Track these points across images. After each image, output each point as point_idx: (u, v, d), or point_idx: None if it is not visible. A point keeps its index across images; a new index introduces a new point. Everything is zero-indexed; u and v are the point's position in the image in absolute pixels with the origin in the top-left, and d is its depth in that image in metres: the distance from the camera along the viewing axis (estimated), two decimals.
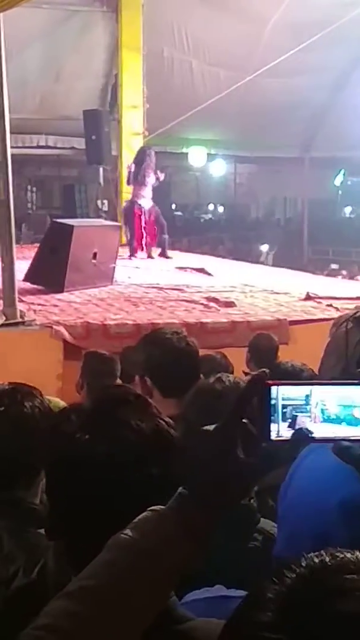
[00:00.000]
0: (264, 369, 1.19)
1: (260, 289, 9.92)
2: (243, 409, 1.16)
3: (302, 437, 1.17)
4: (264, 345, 6.03)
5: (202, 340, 6.93)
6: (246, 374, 5.30)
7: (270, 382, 1.17)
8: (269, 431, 1.16)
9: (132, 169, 13.73)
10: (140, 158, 13.82)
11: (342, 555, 0.87)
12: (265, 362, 5.32)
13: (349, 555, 0.87)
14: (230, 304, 8.53)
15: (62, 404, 3.87)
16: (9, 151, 7.16)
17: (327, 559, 0.86)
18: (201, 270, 12.06)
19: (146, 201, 13.62)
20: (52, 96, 17.21)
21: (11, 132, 7.31)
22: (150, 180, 13.57)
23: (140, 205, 13.57)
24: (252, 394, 1.16)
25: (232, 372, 5.40)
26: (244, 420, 1.16)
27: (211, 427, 1.17)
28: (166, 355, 3.15)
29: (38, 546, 2.00)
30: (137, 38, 16.33)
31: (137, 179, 13.64)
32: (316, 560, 0.86)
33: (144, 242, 13.71)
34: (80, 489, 1.38)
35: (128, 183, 14.07)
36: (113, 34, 16.78)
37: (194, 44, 17.46)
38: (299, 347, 7.09)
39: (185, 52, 17.54)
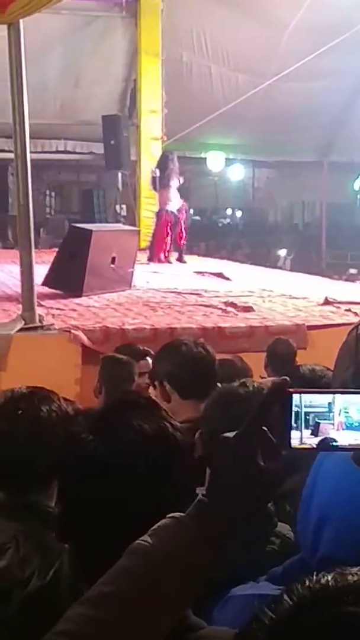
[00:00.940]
0: (285, 377, 1.19)
1: (279, 294, 9.90)
2: (264, 416, 1.16)
3: (326, 445, 1.17)
4: (281, 350, 6.03)
5: (219, 345, 6.95)
6: (263, 378, 5.30)
7: (291, 389, 1.17)
8: (289, 439, 1.16)
9: (157, 174, 13.77)
10: (163, 163, 13.86)
11: (350, 578, 0.83)
12: (283, 367, 5.31)
13: (357, 577, 0.83)
14: (248, 309, 8.52)
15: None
16: (29, 156, 7.18)
17: (331, 582, 0.83)
18: (219, 275, 12.06)
19: (174, 204, 13.64)
20: (72, 101, 17.30)
21: (31, 137, 7.33)
22: (174, 183, 13.62)
23: (168, 211, 13.61)
24: (273, 402, 1.16)
25: (251, 377, 5.40)
26: (263, 428, 1.16)
27: (231, 434, 1.17)
28: (183, 360, 3.30)
29: (53, 549, 2.01)
30: (156, 43, 16.39)
31: (162, 185, 13.70)
32: (321, 581, 0.83)
33: (166, 249, 13.78)
34: (85, 489, 1.39)
35: (154, 189, 14.08)
36: (132, 40, 16.84)
37: (213, 48, 17.48)
38: (317, 352, 7.06)
39: (204, 56, 17.56)
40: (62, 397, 2.43)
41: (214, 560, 1.14)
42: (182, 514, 1.17)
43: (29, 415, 2.29)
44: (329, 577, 0.83)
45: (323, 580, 0.83)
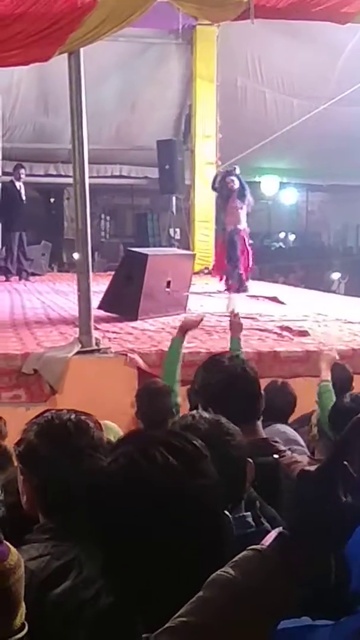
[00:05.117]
0: None
1: (334, 318, 9.84)
2: (345, 451, 1.17)
3: None
4: (338, 375, 5.96)
5: (275, 370, 6.94)
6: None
7: None
8: None
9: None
10: (219, 185, 13.77)
11: None
12: (339, 393, 5.27)
13: None
14: (303, 333, 8.48)
15: (116, 427, 3.91)
16: (87, 182, 7.28)
17: None
18: (274, 299, 12.03)
19: (229, 225, 13.26)
20: (127, 127, 17.51)
21: (88, 163, 7.44)
22: (230, 204, 13.13)
23: (226, 231, 13.40)
24: (354, 437, 1.17)
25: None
26: (344, 463, 1.16)
27: (312, 468, 1.19)
28: (223, 381, 3.04)
29: None
30: (211, 69, 16.54)
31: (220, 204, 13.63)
32: None
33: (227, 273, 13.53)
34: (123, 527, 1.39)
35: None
36: (187, 65, 17.02)
37: (267, 73, 17.56)
38: None
39: (258, 81, 17.65)
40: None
41: (295, 593, 1.15)
42: (263, 546, 1.17)
43: (79, 440, 2.30)
44: None
45: None
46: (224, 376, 3.04)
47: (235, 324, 5.73)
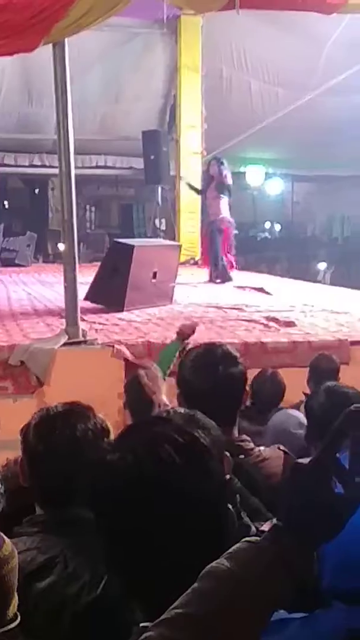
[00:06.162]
0: (358, 405, 1.19)
1: (320, 309, 9.86)
2: (338, 443, 1.17)
3: None
4: (325, 365, 5.99)
5: (262, 360, 6.96)
6: (306, 394, 5.29)
7: None
8: None
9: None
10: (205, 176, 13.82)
11: None
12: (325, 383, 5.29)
13: None
14: (290, 324, 8.49)
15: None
16: (73, 172, 7.25)
17: None
18: (260, 290, 12.04)
19: (212, 215, 13.34)
20: (112, 117, 17.46)
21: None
22: (211, 194, 13.29)
23: (206, 222, 13.43)
24: (347, 428, 1.17)
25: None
26: (337, 455, 1.16)
27: (305, 461, 1.18)
28: (210, 390, 2.78)
29: (101, 562, 2.03)
30: (196, 59, 16.50)
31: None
32: None
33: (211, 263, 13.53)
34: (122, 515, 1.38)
35: None
36: (172, 55, 16.96)
37: (252, 63, 17.52)
38: (359, 367, 7.05)
39: (244, 71, 17.61)
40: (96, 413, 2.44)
41: (290, 586, 1.15)
42: (257, 538, 1.17)
43: (65, 434, 2.31)
44: None
45: None
46: (213, 387, 2.81)
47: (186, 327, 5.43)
